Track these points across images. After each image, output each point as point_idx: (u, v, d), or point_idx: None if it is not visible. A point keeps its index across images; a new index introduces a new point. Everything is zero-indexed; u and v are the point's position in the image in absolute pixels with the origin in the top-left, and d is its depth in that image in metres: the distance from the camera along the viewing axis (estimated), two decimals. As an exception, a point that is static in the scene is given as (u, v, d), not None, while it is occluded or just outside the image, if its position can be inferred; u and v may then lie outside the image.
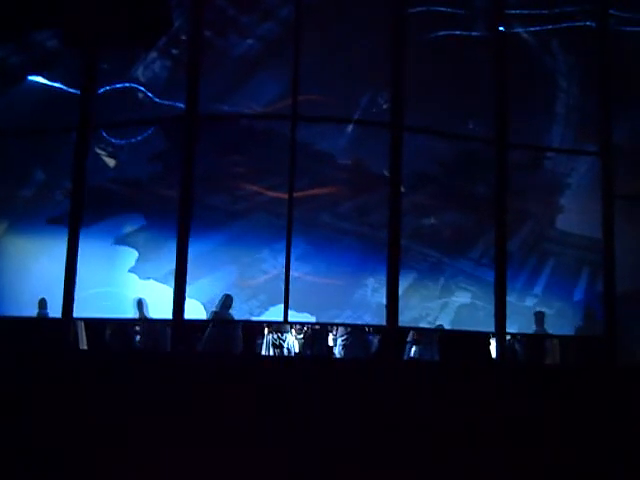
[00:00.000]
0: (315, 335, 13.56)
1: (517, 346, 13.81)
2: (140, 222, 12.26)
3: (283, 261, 11.74)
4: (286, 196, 11.82)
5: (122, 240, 12.32)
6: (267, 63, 12.50)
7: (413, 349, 12.59)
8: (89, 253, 12.29)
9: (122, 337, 13.16)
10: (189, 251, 11.77)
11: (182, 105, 12.19)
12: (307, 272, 11.88)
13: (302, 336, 14.09)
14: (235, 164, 12.15)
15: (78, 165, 12.40)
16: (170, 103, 12.32)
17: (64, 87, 12.86)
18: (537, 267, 13.24)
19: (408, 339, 12.77)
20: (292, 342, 13.55)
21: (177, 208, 11.82)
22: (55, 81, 12.91)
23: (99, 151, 12.61)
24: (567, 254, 13.48)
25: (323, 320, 12.00)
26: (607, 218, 13.43)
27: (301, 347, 13.92)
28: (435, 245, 12.55)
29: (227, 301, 11.76)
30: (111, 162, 12.60)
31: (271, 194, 11.95)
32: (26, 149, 12.90)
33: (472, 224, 12.90)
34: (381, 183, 12.27)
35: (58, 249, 12.21)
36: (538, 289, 13.16)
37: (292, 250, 11.75)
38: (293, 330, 13.97)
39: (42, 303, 12.28)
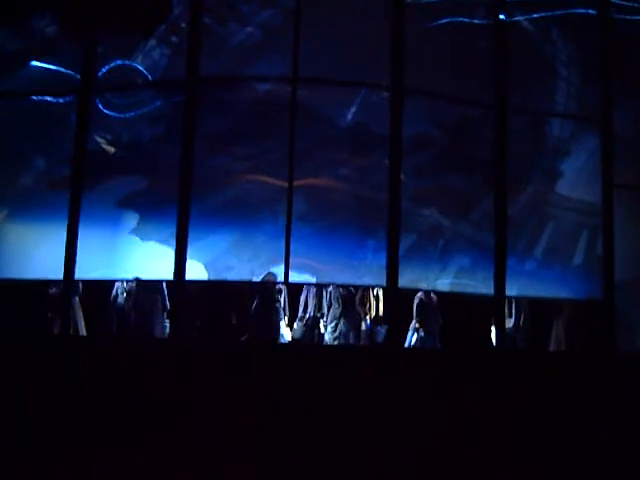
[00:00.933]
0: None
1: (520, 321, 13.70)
2: (141, 184, 12.32)
3: (283, 222, 11.81)
4: (286, 158, 11.86)
5: (123, 203, 12.37)
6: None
7: (415, 337, 12.47)
8: (90, 216, 12.35)
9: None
10: (190, 212, 11.82)
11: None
12: (307, 233, 11.95)
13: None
14: (236, 127, 12.17)
15: (79, 129, 12.42)
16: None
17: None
18: (537, 231, 13.32)
19: (410, 327, 12.68)
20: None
21: (178, 170, 11.86)
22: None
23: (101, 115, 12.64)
24: (566, 218, 13.55)
25: (323, 281, 12.07)
26: (606, 186, 13.52)
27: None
28: (435, 208, 12.60)
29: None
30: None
31: (272, 156, 11.99)
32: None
33: (472, 188, 12.94)
34: (381, 145, 12.31)
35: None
36: (538, 253, 13.25)
37: (292, 211, 11.82)
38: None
39: None
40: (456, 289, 12.57)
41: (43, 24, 12.86)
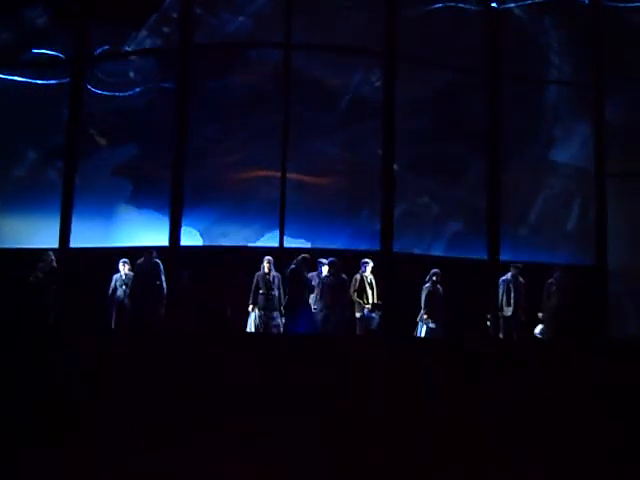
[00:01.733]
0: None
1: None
2: (135, 153, 12.38)
3: (278, 188, 11.87)
4: (281, 124, 11.92)
5: (118, 172, 12.43)
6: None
7: (424, 329, 12.23)
8: (85, 185, 12.41)
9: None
10: (185, 180, 11.87)
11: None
12: (302, 200, 12.03)
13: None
14: (229, 93, 12.22)
15: (73, 97, 12.43)
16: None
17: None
18: (530, 197, 13.41)
19: (418, 319, 12.43)
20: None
21: (172, 137, 11.89)
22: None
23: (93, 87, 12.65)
24: (559, 185, 13.64)
25: (318, 246, 12.13)
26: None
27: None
28: (428, 173, 12.69)
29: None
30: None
31: (265, 121, 12.05)
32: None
33: (465, 154, 13.01)
34: (375, 112, 12.37)
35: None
36: (531, 218, 13.33)
37: (286, 178, 11.89)
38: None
39: None
40: (450, 253, 12.67)
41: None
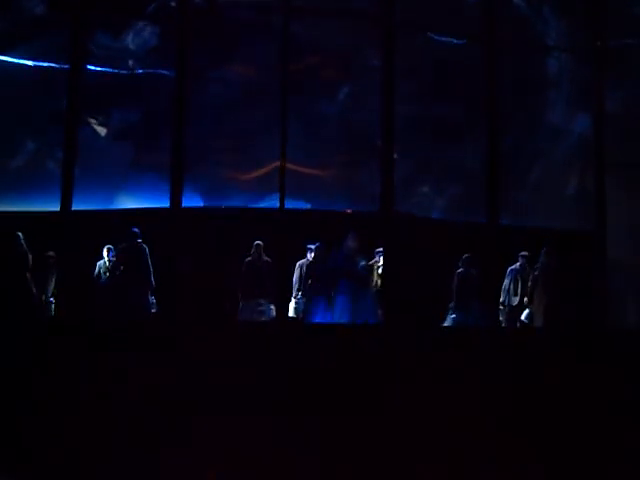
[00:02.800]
0: None
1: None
2: (136, 115, 12.42)
3: (278, 149, 11.92)
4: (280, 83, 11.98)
5: (119, 134, 12.47)
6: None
7: (453, 317, 12.08)
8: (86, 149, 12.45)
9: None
10: (185, 141, 11.92)
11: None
12: (302, 160, 12.07)
13: None
14: (228, 55, 12.26)
15: (73, 61, 12.47)
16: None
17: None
18: (529, 161, 13.46)
19: (449, 306, 12.26)
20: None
21: (172, 97, 11.95)
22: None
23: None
24: (558, 150, 13.68)
25: (318, 208, 12.20)
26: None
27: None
28: (428, 135, 12.73)
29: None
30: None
31: (264, 80, 12.11)
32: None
33: (464, 116, 13.06)
34: (374, 73, 12.43)
35: None
36: (530, 182, 13.38)
37: (286, 138, 11.94)
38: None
39: None
40: (450, 216, 12.73)
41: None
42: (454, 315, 11.91)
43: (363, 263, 11.33)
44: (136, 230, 11.15)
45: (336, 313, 10.88)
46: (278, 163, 12.02)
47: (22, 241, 11.10)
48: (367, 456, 7.10)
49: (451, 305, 11.97)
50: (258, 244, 11.37)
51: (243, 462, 6.95)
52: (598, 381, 7.79)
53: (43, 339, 7.92)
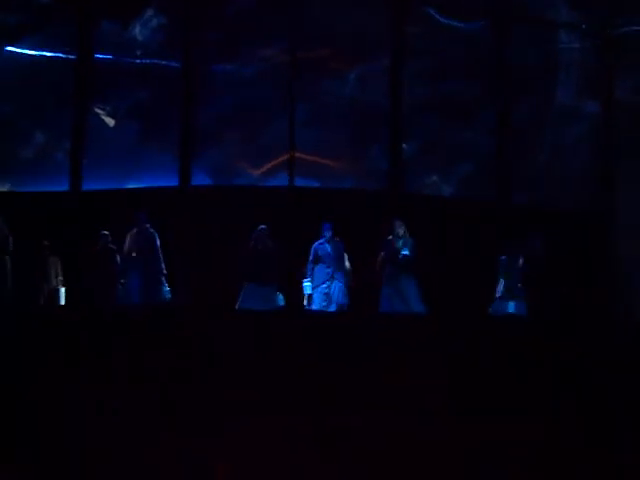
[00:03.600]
0: None
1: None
2: (145, 94, 12.41)
3: (287, 128, 11.91)
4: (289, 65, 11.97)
5: (128, 113, 12.47)
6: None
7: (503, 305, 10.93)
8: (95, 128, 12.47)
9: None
10: (194, 120, 11.93)
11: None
12: (311, 139, 12.06)
13: None
14: (237, 32, 12.23)
15: (81, 41, 12.48)
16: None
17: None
18: (539, 139, 13.41)
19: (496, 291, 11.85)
20: None
21: (181, 76, 11.95)
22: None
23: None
24: (568, 128, 13.63)
25: (328, 186, 12.18)
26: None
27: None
28: (437, 114, 12.69)
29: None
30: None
31: (274, 60, 12.08)
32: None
33: (474, 94, 13.01)
34: (383, 52, 12.39)
35: None
36: (540, 160, 13.34)
37: (296, 117, 11.92)
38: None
39: None
40: (460, 194, 12.71)
41: None
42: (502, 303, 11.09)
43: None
44: (144, 214, 10.79)
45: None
46: (287, 151, 12.01)
47: (2, 224, 10.50)
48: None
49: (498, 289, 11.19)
50: (261, 229, 10.51)
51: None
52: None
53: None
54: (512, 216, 12.75)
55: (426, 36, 12.80)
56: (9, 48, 12.78)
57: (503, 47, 13.15)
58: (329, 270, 10.38)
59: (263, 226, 10.53)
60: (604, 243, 13.15)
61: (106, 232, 11.12)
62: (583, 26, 13.67)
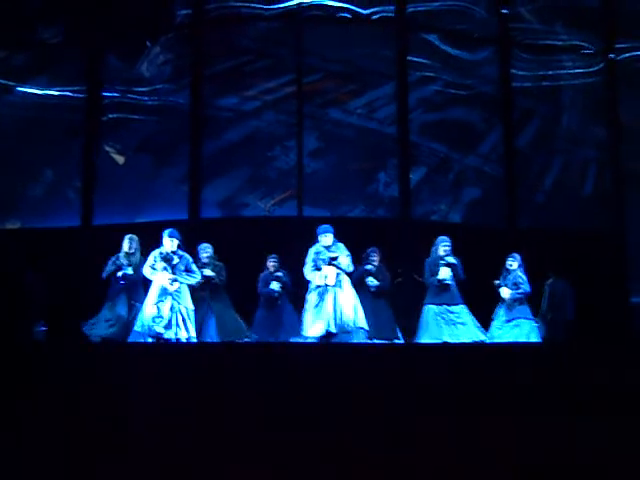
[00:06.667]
0: None
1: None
2: (154, 128, 12.55)
3: (295, 158, 12.00)
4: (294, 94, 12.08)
5: (138, 147, 12.59)
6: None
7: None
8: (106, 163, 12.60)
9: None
10: (202, 152, 12.04)
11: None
12: (319, 168, 12.15)
13: None
14: (243, 64, 12.39)
15: (90, 76, 12.65)
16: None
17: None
18: (546, 163, 13.46)
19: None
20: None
21: (189, 110, 12.08)
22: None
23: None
24: (574, 151, 13.68)
25: (337, 214, 12.24)
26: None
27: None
28: (444, 141, 12.78)
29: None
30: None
31: (280, 92, 12.20)
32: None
33: (480, 120, 13.11)
34: (388, 80, 12.51)
35: None
36: (548, 184, 13.38)
37: (303, 146, 12.01)
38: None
39: None
40: (467, 221, 12.74)
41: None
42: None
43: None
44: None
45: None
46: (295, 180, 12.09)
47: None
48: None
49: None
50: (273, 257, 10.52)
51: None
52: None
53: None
54: (520, 240, 12.79)
55: (431, 64, 12.94)
56: (20, 89, 12.98)
57: (507, 73, 13.25)
58: None
59: (274, 255, 10.61)
60: (617, 264, 13.14)
61: None
62: (587, 51, 13.79)
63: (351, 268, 9.90)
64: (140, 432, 6.32)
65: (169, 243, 9.73)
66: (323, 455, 6.19)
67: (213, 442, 6.29)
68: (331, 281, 9.62)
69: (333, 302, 9.58)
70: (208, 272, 10.23)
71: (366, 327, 9.71)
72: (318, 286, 9.65)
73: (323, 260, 9.72)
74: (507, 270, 10.48)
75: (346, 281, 9.81)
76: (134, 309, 9.93)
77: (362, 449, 6.23)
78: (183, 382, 6.86)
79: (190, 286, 9.88)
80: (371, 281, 10.34)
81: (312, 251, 9.86)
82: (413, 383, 6.88)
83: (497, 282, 10.43)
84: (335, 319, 9.54)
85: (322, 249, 9.79)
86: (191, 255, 10.03)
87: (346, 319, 9.56)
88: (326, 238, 9.83)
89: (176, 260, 9.65)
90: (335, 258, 9.68)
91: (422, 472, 6.14)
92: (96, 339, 9.79)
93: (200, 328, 9.90)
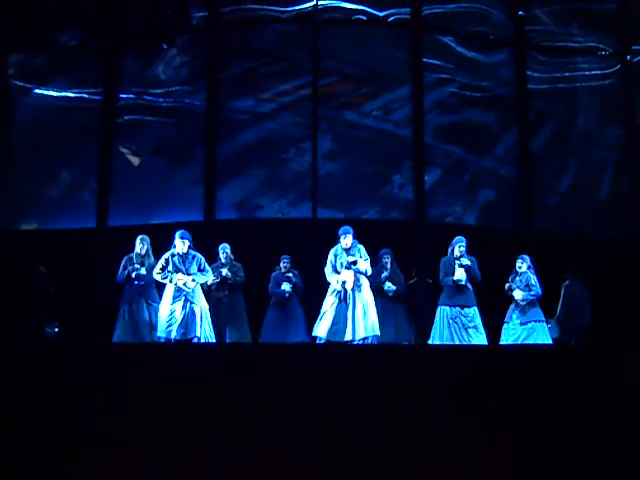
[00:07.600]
0: None
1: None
2: (169, 131, 12.59)
3: (310, 159, 12.02)
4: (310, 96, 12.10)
5: (154, 150, 12.64)
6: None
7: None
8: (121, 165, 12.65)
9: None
10: (218, 154, 12.08)
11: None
12: (334, 170, 12.16)
13: None
14: (259, 67, 12.42)
15: (107, 78, 12.71)
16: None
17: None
18: (561, 165, 13.42)
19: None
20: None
21: (204, 112, 12.13)
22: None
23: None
24: (590, 154, 13.62)
25: (351, 216, 12.23)
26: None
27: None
28: (459, 143, 12.76)
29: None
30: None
31: (296, 94, 12.23)
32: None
33: (495, 123, 13.08)
34: (404, 82, 12.51)
35: None
36: (563, 187, 13.33)
37: (318, 148, 12.03)
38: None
39: None
40: (482, 223, 12.70)
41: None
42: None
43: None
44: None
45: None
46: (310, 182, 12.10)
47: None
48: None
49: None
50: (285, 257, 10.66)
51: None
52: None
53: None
54: (536, 243, 12.73)
55: (446, 66, 12.93)
56: (37, 91, 13.07)
57: (523, 75, 13.23)
58: None
59: (286, 256, 10.73)
60: (634, 267, 13.04)
61: None
62: (603, 52, 13.74)
63: (370, 272, 9.94)
64: (152, 431, 6.42)
65: (180, 244, 9.85)
66: (323, 455, 6.30)
67: (220, 442, 6.41)
68: (349, 285, 9.69)
69: (352, 307, 9.65)
70: (225, 272, 10.38)
71: (378, 333, 9.75)
72: (336, 289, 9.74)
73: (341, 264, 9.80)
74: (516, 272, 10.48)
75: (365, 285, 9.86)
76: (151, 309, 10.04)
77: (365, 449, 6.38)
78: (196, 382, 6.95)
79: (207, 286, 10.09)
80: (388, 287, 10.60)
81: (332, 252, 9.93)
82: (422, 384, 6.95)
83: (507, 285, 10.43)
84: (353, 325, 9.58)
85: (341, 251, 9.86)
86: (204, 256, 10.07)
87: (361, 325, 9.61)
88: (346, 239, 9.87)
89: (189, 260, 9.77)
90: (355, 262, 9.73)
91: (425, 472, 6.25)
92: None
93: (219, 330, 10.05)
